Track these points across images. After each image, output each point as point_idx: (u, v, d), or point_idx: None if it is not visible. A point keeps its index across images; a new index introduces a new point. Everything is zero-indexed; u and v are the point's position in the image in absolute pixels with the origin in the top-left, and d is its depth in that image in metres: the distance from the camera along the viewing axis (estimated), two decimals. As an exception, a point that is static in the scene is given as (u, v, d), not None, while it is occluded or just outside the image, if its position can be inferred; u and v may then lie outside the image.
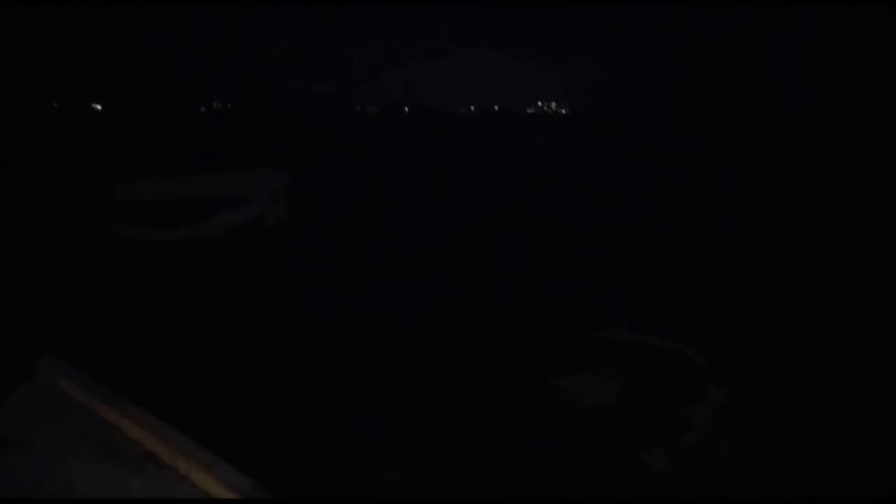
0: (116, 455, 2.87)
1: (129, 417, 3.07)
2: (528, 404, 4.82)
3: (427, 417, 4.53)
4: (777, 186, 17.90)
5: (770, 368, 5.36)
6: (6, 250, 7.98)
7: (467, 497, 3.61)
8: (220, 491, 2.62)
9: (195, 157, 14.36)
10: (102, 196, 9.50)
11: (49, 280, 7.29)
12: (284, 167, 12.16)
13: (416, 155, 33.75)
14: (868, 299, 7.21)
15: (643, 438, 4.25)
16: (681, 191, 17.84)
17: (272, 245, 10.71)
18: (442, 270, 9.10)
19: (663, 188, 18.40)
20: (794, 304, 7.13)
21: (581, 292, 7.75)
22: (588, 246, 10.71)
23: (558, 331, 6.38)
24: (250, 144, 34.38)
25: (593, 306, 7.17)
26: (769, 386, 5.04)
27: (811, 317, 6.66)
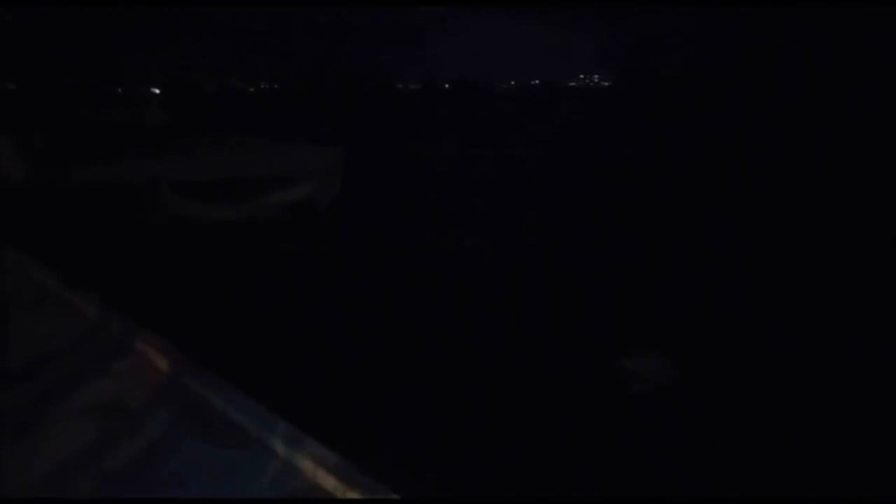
0: (209, 427, 3.01)
1: (215, 390, 3.23)
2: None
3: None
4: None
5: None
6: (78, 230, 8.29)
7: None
8: (306, 464, 2.73)
9: (247, 135, 14.57)
10: (161, 173, 9.77)
11: (120, 258, 7.59)
12: (336, 145, 12.27)
13: (464, 131, 33.66)
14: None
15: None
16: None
17: (322, 224, 10.88)
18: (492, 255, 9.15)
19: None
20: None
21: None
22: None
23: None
24: (301, 122, 34.83)
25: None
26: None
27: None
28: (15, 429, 2.92)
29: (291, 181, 10.95)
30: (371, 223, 11.50)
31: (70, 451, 2.80)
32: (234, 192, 10.41)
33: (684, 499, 3.71)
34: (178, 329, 4.28)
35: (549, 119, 44.67)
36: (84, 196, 9.38)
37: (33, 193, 6.78)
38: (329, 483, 2.59)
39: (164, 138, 12.13)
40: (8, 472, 2.65)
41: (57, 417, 3.09)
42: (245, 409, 3.07)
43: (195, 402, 3.23)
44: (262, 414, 3.02)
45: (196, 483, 2.62)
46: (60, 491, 2.55)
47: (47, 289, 4.93)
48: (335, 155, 11.74)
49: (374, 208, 12.80)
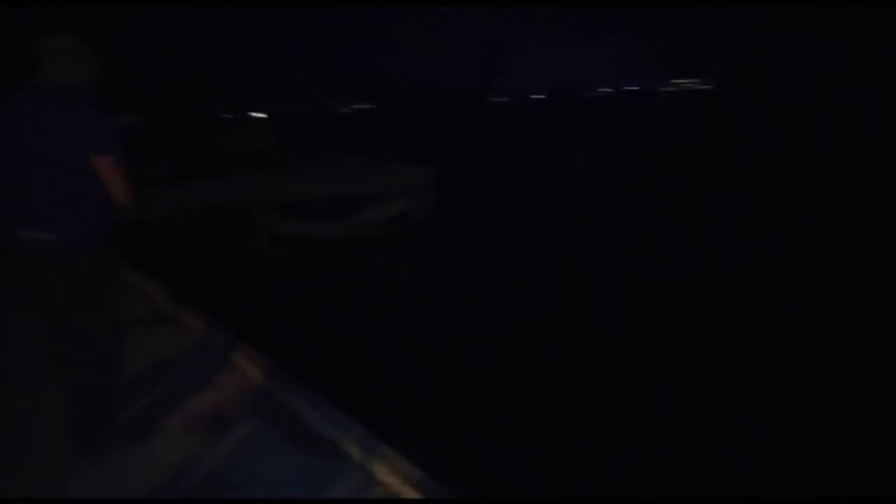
0: (303, 441, 3.14)
1: (312, 406, 3.36)
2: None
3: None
4: None
5: None
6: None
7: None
8: (392, 479, 2.79)
9: (341, 154, 15.07)
10: (270, 198, 10.25)
11: (226, 276, 8.03)
12: (428, 161, 12.45)
13: (558, 142, 33.39)
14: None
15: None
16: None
17: (416, 240, 11.07)
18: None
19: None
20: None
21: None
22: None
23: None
24: (396, 140, 35.66)
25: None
26: None
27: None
28: (134, 435, 3.14)
29: (387, 198, 11.21)
30: (465, 238, 11.58)
31: (174, 458, 3.01)
32: (331, 210, 10.78)
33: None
34: (276, 343, 4.50)
35: (646, 125, 43.54)
36: (193, 218, 10.01)
37: (146, 217, 7.29)
38: (413, 497, 2.67)
39: (267, 160, 12.71)
40: (125, 474, 2.88)
41: (165, 426, 3.31)
42: (335, 422, 3.18)
43: (289, 414, 3.37)
44: (351, 427, 3.12)
45: (285, 491, 2.76)
46: (163, 493, 2.74)
47: (159, 307, 5.28)
48: (429, 171, 11.92)
49: (468, 223, 12.89)
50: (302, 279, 8.91)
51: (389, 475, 2.82)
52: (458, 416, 4.58)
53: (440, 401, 4.84)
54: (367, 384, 4.74)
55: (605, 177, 18.93)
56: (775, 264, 8.45)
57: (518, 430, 4.46)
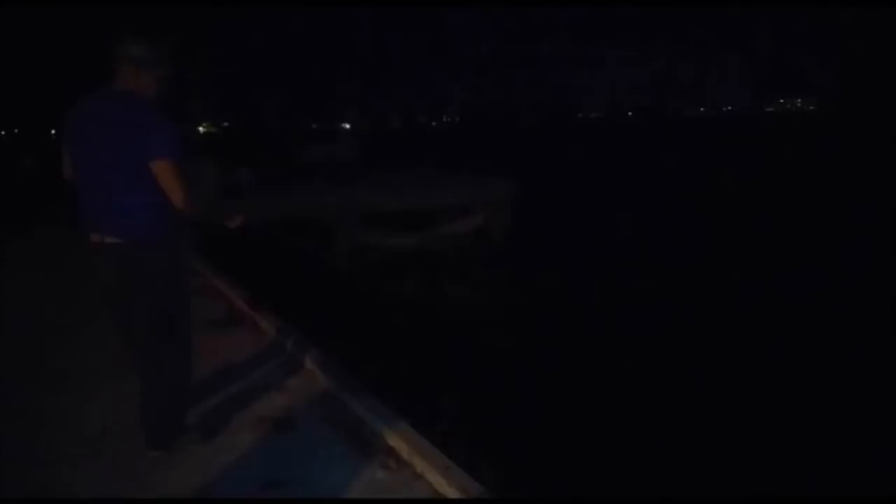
0: (364, 448, 3.11)
1: (373, 413, 3.33)
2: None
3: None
4: None
5: None
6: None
7: None
8: (453, 494, 2.72)
9: (423, 166, 15.20)
10: (351, 207, 10.41)
11: (304, 281, 8.19)
12: (510, 175, 12.36)
13: (652, 159, 32.64)
14: None
15: None
16: None
17: (494, 253, 10.97)
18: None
19: None
20: None
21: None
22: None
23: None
24: (477, 153, 35.79)
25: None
26: None
27: None
28: (203, 433, 3.20)
29: (467, 211, 11.18)
30: (545, 253, 11.42)
31: (241, 458, 3.04)
32: (412, 222, 10.84)
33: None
34: (348, 350, 4.51)
35: (743, 146, 41.98)
36: (275, 225, 10.29)
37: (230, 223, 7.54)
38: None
39: (350, 170, 12.95)
40: (194, 470, 2.92)
41: (234, 426, 3.36)
42: (400, 433, 3.13)
43: (355, 420, 3.35)
44: (414, 439, 3.07)
45: (346, 497, 2.73)
46: (226, 493, 2.76)
47: (236, 309, 5.42)
48: (510, 185, 11.82)
49: (548, 238, 12.71)
50: (378, 289, 8.99)
51: (452, 489, 2.75)
52: (530, 433, 4.47)
53: (510, 416, 4.73)
54: (438, 396, 4.69)
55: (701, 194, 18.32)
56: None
57: (601, 444, 4.33)
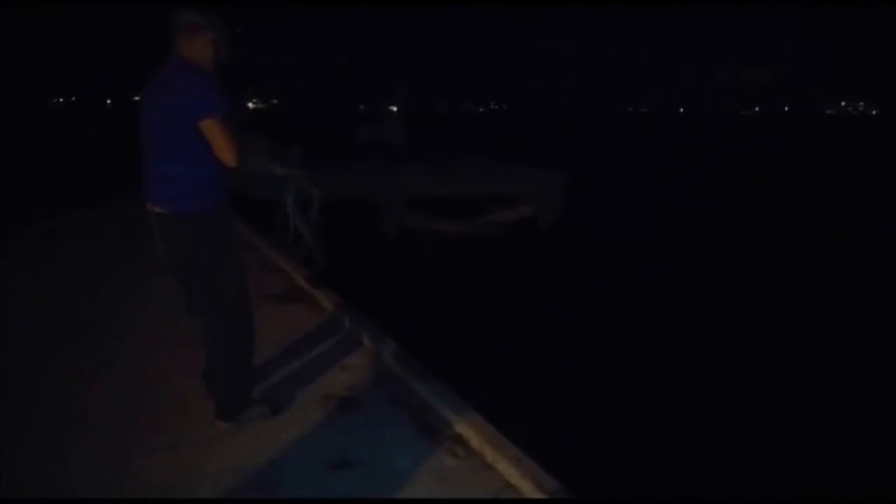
0: (430, 433, 3.03)
1: (441, 398, 3.25)
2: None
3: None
4: None
5: None
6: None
7: None
8: (526, 486, 2.63)
9: (474, 153, 15.06)
10: (400, 191, 10.36)
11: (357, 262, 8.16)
12: (562, 167, 12.17)
13: (704, 158, 31.97)
14: None
15: None
16: None
17: (541, 244, 10.82)
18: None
19: None
20: None
21: None
22: None
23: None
24: (528, 143, 35.47)
25: None
26: None
27: None
28: (271, 408, 3.16)
29: (516, 199, 11.06)
30: (591, 244, 11.20)
31: (307, 436, 2.99)
32: (460, 208, 10.76)
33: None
34: (403, 330, 4.44)
35: (801, 148, 40.78)
36: (330, 206, 10.27)
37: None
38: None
39: (401, 154, 12.90)
40: (262, 445, 2.89)
41: (299, 403, 3.32)
42: (470, 421, 3.04)
43: (420, 405, 3.28)
44: (485, 427, 2.98)
45: (414, 483, 2.66)
46: (293, 470, 2.71)
47: (295, 285, 5.40)
48: (560, 175, 11.64)
49: (595, 230, 12.48)
50: (429, 273, 8.92)
51: (521, 478, 2.66)
52: (590, 419, 4.37)
53: (573, 404, 4.63)
54: (497, 382, 4.61)
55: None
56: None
57: (655, 434, 4.23)
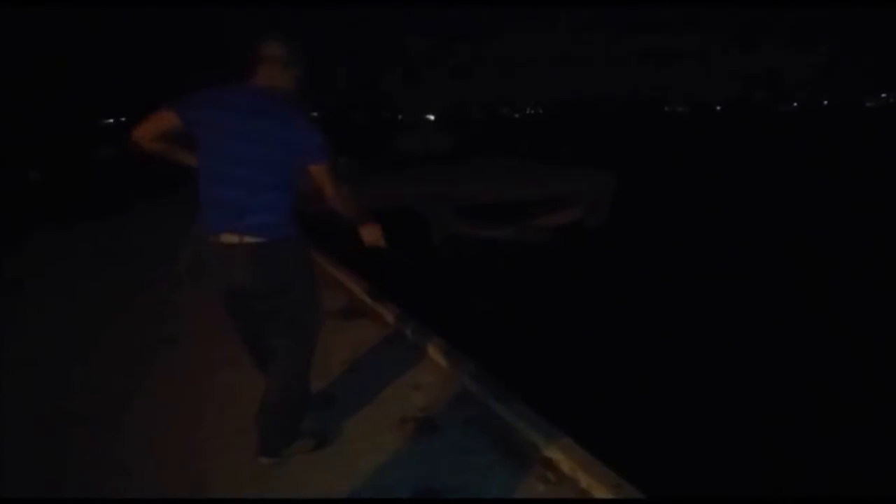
0: (517, 457, 2.87)
1: (524, 419, 3.09)
2: None
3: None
4: None
5: None
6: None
7: None
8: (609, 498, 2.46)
9: (518, 157, 14.88)
10: (447, 198, 10.26)
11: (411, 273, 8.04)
12: (609, 169, 11.95)
13: (740, 155, 31.23)
14: None
15: None
16: None
17: (589, 248, 10.58)
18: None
19: None
20: None
21: None
22: None
23: None
24: (570, 146, 35.09)
25: None
26: None
27: None
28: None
29: (562, 203, 10.88)
30: (639, 248, 10.91)
31: (389, 465, 2.85)
32: (506, 213, 10.63)
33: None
34: (469, 345, 4.27)
35: (842, 141, 39.50)
36: (382, 217, 10.20)
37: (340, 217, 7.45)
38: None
39: (445, 160, 12.82)
40: (345, 472, 2.77)
41: (374, 426, 3.19)
42: (559, 444, 2.87)
43: (502, 427, 3.12)
44: (578, 452, 2.80)
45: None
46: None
47: (357, 299, 5.30)
48: (607, 178, 11.42)
49: (642, 233, 12.16)
50: (482, 281, 8.76)
51: (604, 491, 2.50)
52: (666, 429, 4.15)
53: (643, 412, 4.41)
54: (565, 392, 4.41)
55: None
56: None
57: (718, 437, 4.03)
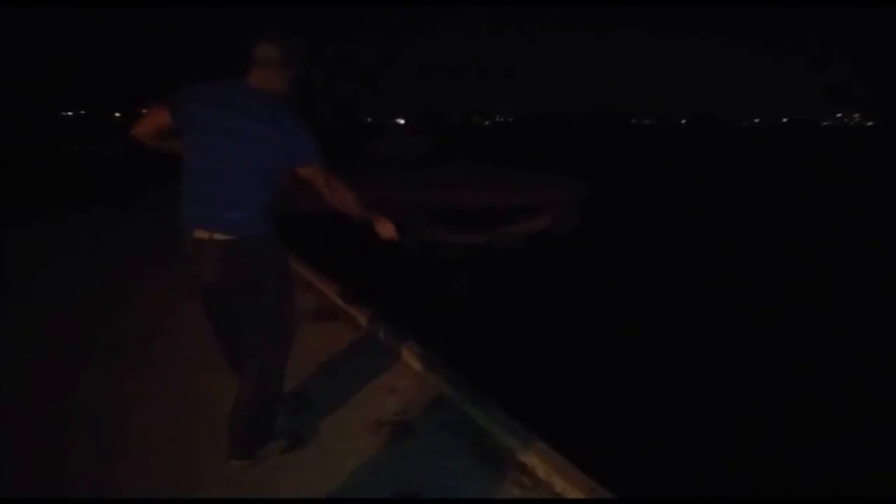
0: (493, 461, 2.88)
1: (500, 424, 3.09)
2: None
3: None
4: None
5: None
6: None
7: None
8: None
9: (490, 164, 14.98)
10: (420, 203, 10.29)
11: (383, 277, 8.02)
12: (578, 177, 12.10)
13: (703, 170, 31.82)
14: None
15: None
16: None
17: (558, 255, 10.68)
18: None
19: None
20: None
21: None
22: None
23: None
24: (544, 154, 35.37)
25: None
26: None
27: None
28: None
29: (532, 211, 10.99)
30: (607, 256, 11.04)
31: (366, 468, 2.84)
32: (477, 219, 10.69)
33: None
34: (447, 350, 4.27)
35: (801, 159, 40.54)
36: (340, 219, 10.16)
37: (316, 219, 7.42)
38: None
39: (417, 166, 12.84)
40: (321, 477, 2.74)
41: (351, 429, 3.17)
42: (533, 448, 2.88)
43: (477, 431, 3.13)
44: (553, 456, 2.82)
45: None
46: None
47: (328, 301, 5.27)
48: (578, 186, 11.59)
49: (611, 241, 12.32)
50: (453, 286, 8.77)
51: (579, 494, 2.53)
52: (642, 432, 4.20)
53: (618, 416, 4.45)
54: (540, 396, 4.44)
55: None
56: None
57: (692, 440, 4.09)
